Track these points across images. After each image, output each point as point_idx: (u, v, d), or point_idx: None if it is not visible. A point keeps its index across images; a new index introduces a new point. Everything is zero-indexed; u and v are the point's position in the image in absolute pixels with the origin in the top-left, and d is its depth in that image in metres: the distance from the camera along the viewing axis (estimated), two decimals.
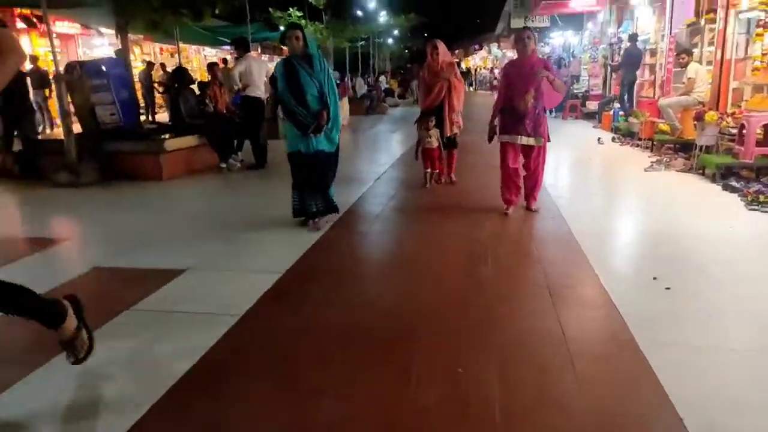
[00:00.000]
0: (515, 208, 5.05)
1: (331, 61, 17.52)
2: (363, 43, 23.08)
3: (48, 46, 11.69)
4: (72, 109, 6.95)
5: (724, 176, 6.10)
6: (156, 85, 14.05)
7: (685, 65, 8.04)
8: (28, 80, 11.82)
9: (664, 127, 8.43)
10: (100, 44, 16.35)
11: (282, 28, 18.26)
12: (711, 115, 6.87)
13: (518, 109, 4.71)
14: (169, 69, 13.33)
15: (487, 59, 41.69)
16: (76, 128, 7.11)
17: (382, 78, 22.57)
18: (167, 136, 7.12)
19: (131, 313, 3.02)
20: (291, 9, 15.35)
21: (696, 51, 8.86)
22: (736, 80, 7.63)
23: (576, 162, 8.38)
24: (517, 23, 20.97)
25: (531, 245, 4.24)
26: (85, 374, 2.44)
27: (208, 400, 2.23)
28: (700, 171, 6.67)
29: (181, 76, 7.81)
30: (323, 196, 4.56)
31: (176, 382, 2.33)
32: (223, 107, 8.11)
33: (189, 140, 7.28)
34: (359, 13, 21.15)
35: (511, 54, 5.06)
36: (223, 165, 7.54)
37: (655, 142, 8.57)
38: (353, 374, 2.42)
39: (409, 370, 2.42)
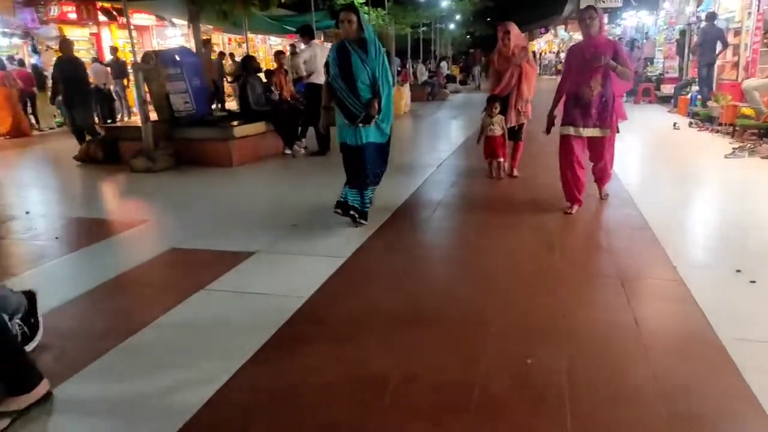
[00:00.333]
0: (580, 206, 4.59)
1: (393, 48, 17.43)
2: (425, 28, 22.82)
3: (126, 37, 12.36)
4: (148, 97, 7.30)
5: None
6: (226, 75, 14.51)
7: None
8: (109, 70, 12.58)
9: (747, 111, 7.86)
10: (172, 35, 17.08)
11: None
12: None
13: (583, 96, 4.30)
14: (237, 59, 13.74)
15: (553, 42, 40.26)
16: (153, 116, 7.49)
17: (443, 64, 22.27)
18: (236, 123, 7.35)
19: (206, 292, 3.16)
20: None
21: None
22: None
23: (649, 148, 7.98)
24: (586, 2, 20.03)
25: (601, 235, 4.08)
26: (162, 355, 2.58)
27: (281, 370, 2.31)
28: None
29: (248, 64, 8.02)
30: (360, 193, 4.22)
31: (250, 357, 2.44)
32: (289, 94, 8.27)
33: (256, 127, 7.49)
34: None
35: (579, 36, 4.53)
36: (288, 151, 7.72)
37: (737, 128, 8.01)
38: (419, 357, 2.43)
39: (477, 357, 2.41)
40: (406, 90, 14.43)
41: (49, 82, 10.06)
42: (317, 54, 7.56)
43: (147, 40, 16.65)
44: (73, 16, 14.17)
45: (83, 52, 14.88)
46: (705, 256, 3.74)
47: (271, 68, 9.33)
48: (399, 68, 17.83)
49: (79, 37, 15.07)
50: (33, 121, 12.18)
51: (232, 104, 13.87)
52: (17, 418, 2.03)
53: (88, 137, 8.08)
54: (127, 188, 6.24)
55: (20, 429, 2.02)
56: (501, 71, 5.67)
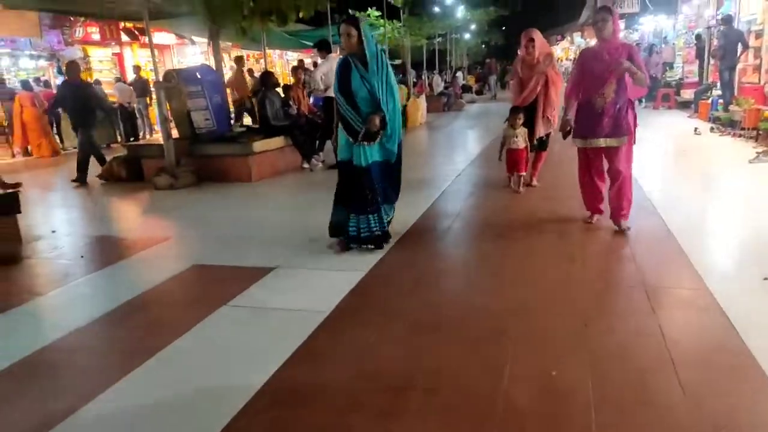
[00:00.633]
0: (601, 216, 4.47)
1: (409, 59, 17.54)
2: (440, 39, 22.91)
3: (148, 56, 12.64)
4: (170, 115, 7.44)
5: None
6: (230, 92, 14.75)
7: None
8: (132, 89, 12.87)
9: None
10: (192, 53, 17.42)
11: None
12: None
13: (595, 105, 4.05)
14: (255, 74, 13.94)
15: (569, 50, 40.05)
16: (174, 133, 7.63)
17: (459, 74, 22.32)
18: (255, 138, 7.45)
19: (228, 308, 3.20)
20: (369, 9, 15.53)
21: None
22: None
23: (671, 154, 7.87)
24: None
25: (624, 244, 4.02)
26: (186, 368, 2.61)
27: (304, 385, 2.32)
28: None
29: (267, 79, 8.14)
30: (368, 218, 3.97)
31: (274, 371, 2.45)
32: (306, 109, 8.36)
33: (275, 142, 7.58)
34: (436, 9, 21.01)
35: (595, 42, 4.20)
36: (306, 165, 7.78)
37: (761, 131, 7.85)
38: (442, 369, 2.42)
39: (501, 369, 2.39)
40: (423, 101, 14.48)
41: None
42: (334, 68, 7.61)
43: (168, 58, 17.01)
44: (96, 36, 14.58)
45: (106, 72, 15.28)
46: (731, 265, 3.67)
47: (289, 83, 9.45)
48: (415, 80, 17.93)
49: (102, 57, 15.49)
50: (58, 140, 12.50)
51: (249, 119, 14.07)
52: None
53: (107, 157, 8.20)
54: (150, 206, 6.36)
55: None
56: (525, 80, 5.49)
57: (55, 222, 5.65)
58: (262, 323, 3.01)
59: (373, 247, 3.99)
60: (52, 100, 8.87)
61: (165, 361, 2.64)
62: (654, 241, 4.02)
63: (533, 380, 2.31)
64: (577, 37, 35.26)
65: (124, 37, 14.39)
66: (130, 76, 14.00)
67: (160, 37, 15.47)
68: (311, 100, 9.64)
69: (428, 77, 19.21)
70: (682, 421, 2.01)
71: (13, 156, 11.29)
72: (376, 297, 3.29)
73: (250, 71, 16.44)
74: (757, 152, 6.93)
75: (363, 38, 3.74)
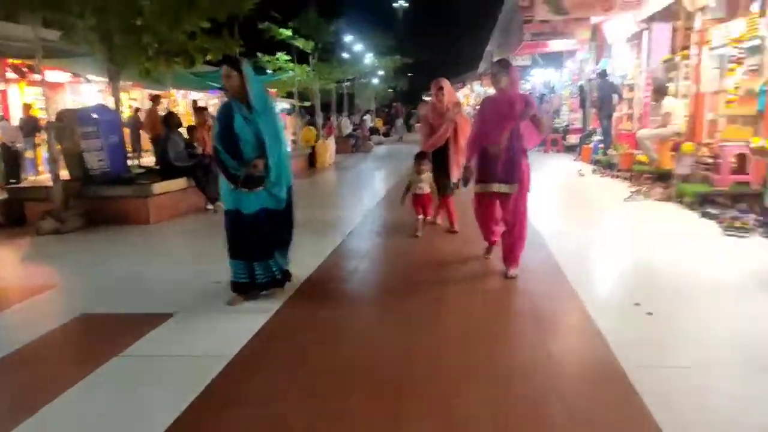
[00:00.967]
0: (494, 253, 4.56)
1: (318, 102, 17.83)
2: (348, 83, 23.56)
3: (37, 94, 11.86)
4: (61, 155, 7.01)
5: (702, 204, 6.26)
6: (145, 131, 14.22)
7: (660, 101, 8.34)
8: (19, 128, 11.97)
9: (642, 158, 8.66)
10: (87, 91, 16.56)
11: (269, 71, 18.70)
12: (688, 146, 7.09)
13: (489, 151, 4.15)
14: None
15: (470, 96, 42.63)
16: (64, 174, 7.17)
17: (367, 117, 22.97)
18: (154, 179, 7.18)
19: (120, 359, 3.01)
20: (279, 53, 15.70)
21: (672, 85, 9.20)
22: (710, 112, 7.90)
23: (558, 194, 8.54)
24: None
25: (518, 276, 4.27)
26: (78, 422, 2.42)
27: None
28: (679, 200, 6.84)
29: (170, 120, 7.93)
30: (266, 264, 3.83)
31: (172, 422, 2.33)
32: (211, 150, 8.20)
33: (177, 183, 7.35)
34: (345, 55, 21.68)
35: (493, 91, 4.39)
36: (210, 206, 7.59)
37: (633, 173, 8.78)
38: (344, 410, 2.43)
39: (401, 402, 2.45)
40: (331, 142, 14.73)
41: None
42: None
43: (61, 97, 16.03)
44: None
45: None
46: (608, 292, 4.03)
47: (193, 123, 9.26)
48: (323, 121, 18.22)
49: None
50: None
51: (149, 160, 13.54)
52: None
53: None
54: (32, 252, 5.84)
55: None
56: (435, 126, 5.65)
57: None
58: (157, 373, 2.86)
59: (266, 293, 3.86)
60: None
61: (44, 423, 2.42)
62: (543, 274, 4.32)
63: (435, 410, 2.38)
64: (476, 86, 37.63)
65: (11, 74, 13.42)
66: (17, 115, 13.02)
67: (53, 75, 14.59)
68: None
69: (337, 119, 19.59)
70: None
71: None
72: (280, 341, 3.24)
73: (149, 111, 15.91)
74: (631, 191, 7.72)
75: (245, 79, 3.55)
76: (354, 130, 18.99)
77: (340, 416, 2.39)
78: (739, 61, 6.77)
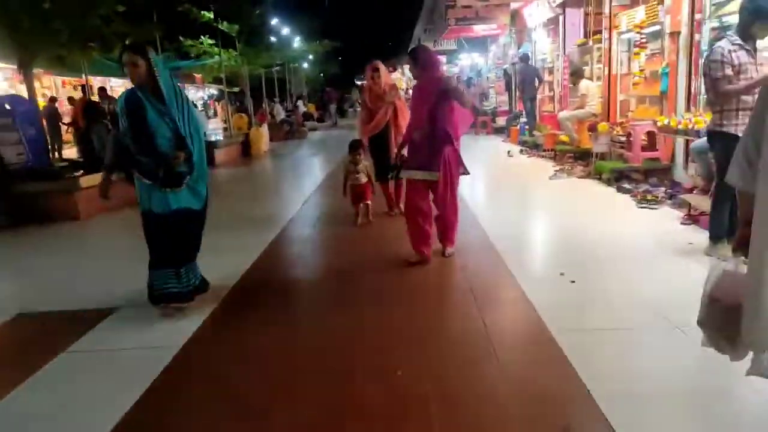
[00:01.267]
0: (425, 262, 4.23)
1: (248, 88, 17.46)
2: (278, 68, 23.17)
3: None
4: None
5: (618, 179, 6.80)
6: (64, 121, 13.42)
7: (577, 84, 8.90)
8: None
9: (564, 138, 9.22)
10: None
11: (192, 56, 18.04)
12: (603, 126, 7.63)
13: (415, 138, 4.14)
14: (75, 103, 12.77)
15: (401, 80, 42.98)
16: None
17: (299, 102, 22.74)
18: (81, 172, 6.89)
19: (66, 356, 2.98)
20: (202, 37, 15.21)
21: (587, 68, 9.80)
22: (622, 93, 8.52)
23: (489, 174, 8.95)
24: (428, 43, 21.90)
25: (456, 254, 4.50)
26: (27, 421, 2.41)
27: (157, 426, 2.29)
28: (597, 176, 7.38)
29: (92, 110, 7.59)
30: (192, 266, 3.56)
31: (122, 416, 2.38)
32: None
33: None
34: (273, 39, 21.27)
35: None
36: None
37: (557, 153, 9.34)
38: (297, 380, 2.56)
39: (352, 374, 2.61)
40: (265, 129, 14.53)
41: None
42: None
43: None
44: None
45: None
46: (536, 264, 4.37)
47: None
48: (256, 107, 17.88)
49: None
50: None
51: (70, 152, 12.85)
52: None
53: None
54: None
55: None
56: (374, 110, 5.53)
57: None
58: (107, 367, 2.87)
59: (177, 305, 3.46)
60: None
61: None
62: (477, 250, 4.60)
63: (382, 382, 2.56)
64: (406, 69, 38.02)
65: None
66: None
67: None
68: None
69: (269, 105, 19.27)
70: (501, 399, 2.40)
71: None
72: (228, 326, 3.32)
73: (71, 99, 15.06)
74: (555, 170, 8.22)
75: (153, 68, 3.22)
76: (287, 116, 18.77)
77: (293, 388, 2.53)
78: (642, 46, 7.34)
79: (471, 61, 21.20)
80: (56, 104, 13.34)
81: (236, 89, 21.01)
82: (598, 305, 3.34)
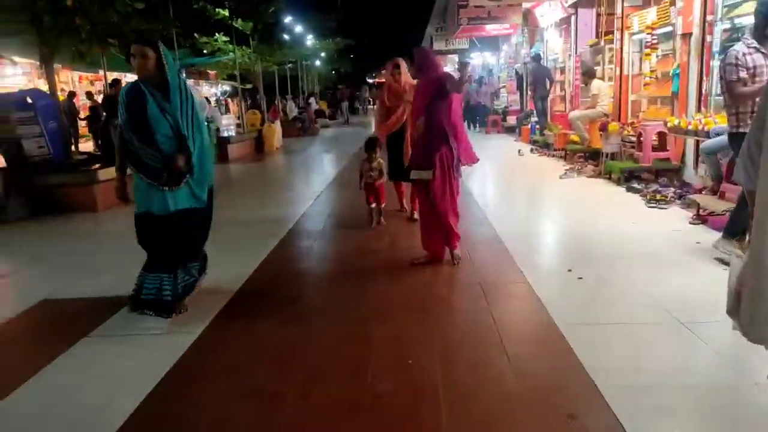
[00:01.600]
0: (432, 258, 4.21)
1: (261, 85, 17.61)
2: (291, 65, 23.31)
3: None
4: None
5: (628, 179, 6.84)
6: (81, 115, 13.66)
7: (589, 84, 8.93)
8: None
9: (574, 138, 9.25)
10: (12, 74, 15.63)
11: (205, 52, 18.19)
12: (613, 126, 7.67)
13: (414, 137, 4.17)
14: (95, 98, 13.01)
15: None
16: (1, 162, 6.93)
17: (312, 100, 22.87)
18: (99, 165, 7.05)
19: (89, 339, 3.11)
20: (217, 34, 15.36)
21: (599, 68, 9.82)
22: (633, 93, 8.55)
23: (500, 173, 9.01)
24: (438, 45, 21.97)
25: (464, 249, 4.60)
26: (52, 400, 2.54)
27: (178, 408, 2.41)
28: (607, 176, 7.42)
29: (110, 105, 7.75)
30: (160, 277, 3.36)
31: (145, 396, 2.50)
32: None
33: None
34: (286, 37, 21.40)
35: None
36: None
37: (567, 152, 9.38)
38: (313, 370, 2.67)
39: (365, 363, 2.71)
40: (278, 126, 14.67)
41: None
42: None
43: None
44: None
45: None
46: (544, 260, 4.43)
47: None
48: (268, 104, 18.04)
49: None
50: None
51: (87, 146, 13.07)
52: None
53: None
54: None
55: None
56: (392, 108, 5.39)
57: None
58: (130, 351, 2.99)
59: (152, 313, 3.34)
60: None
61: (17, 403, 2.53)
62: (486, 246, 4.69)
63: (394, 371, 2.66)
64: None
65: None
66: None
67: None
68: None
69: (281, 103, 19.42)
70: (509, 385, 2.49)
71: None
72: (245, 317, 3.43)
73: (89, 94, 15.29)
74: (565, 169, 8.27)
75: (163, 62, 3.13)
76: (300, 113, 18.91)
77: (313, 377, 2.63)
78: (654, 47, 7.37)
79: (482, 60, 21.18)
80: (74, 99, 13.56)
81: (249, 86, 21.19)
82: (605, 301, 3.41)
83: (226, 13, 13.69)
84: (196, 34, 15.36)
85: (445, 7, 20.50)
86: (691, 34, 6.32)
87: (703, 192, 5.57)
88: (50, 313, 3.62)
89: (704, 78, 6.15)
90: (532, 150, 10.94)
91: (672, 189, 6.15)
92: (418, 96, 4.09)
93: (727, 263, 3.56)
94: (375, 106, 5.85)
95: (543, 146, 10.81)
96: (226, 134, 13.35)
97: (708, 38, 6.06)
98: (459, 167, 4.07)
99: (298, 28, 23.10)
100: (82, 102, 15.32)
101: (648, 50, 7.50)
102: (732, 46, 3.91)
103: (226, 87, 24.79)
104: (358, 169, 5.44)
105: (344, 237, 5.37)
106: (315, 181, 8.86)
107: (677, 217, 5.31)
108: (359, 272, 4.20)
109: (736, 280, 1.87)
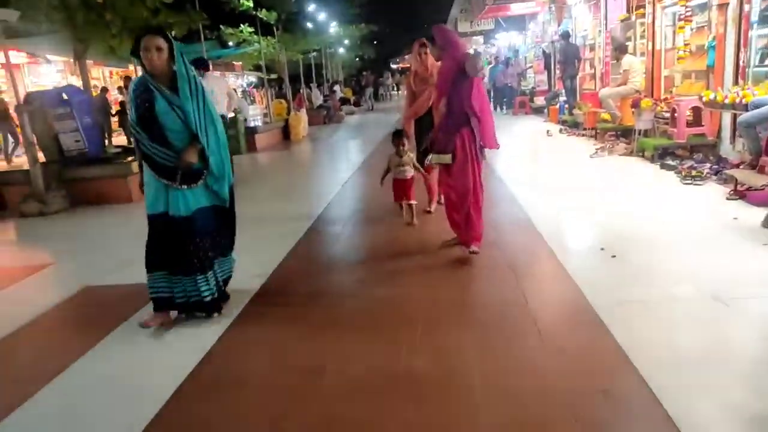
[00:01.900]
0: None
1: (286, 74, 17.71)
2: (315, 54, 23.37)
3: None
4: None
5: (662, 156, 6.66)
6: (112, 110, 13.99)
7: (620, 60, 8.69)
8: None
9: (605, 116, 9.03)
10: (47, 72, 16.10)
11: (231, 44, 18.36)
12: (646, 102, 7.46)
13: (435, 120, 4.06)
14: (124, 92, 13.27)
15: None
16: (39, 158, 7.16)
17: (336, 87, 22.89)
18: (132, 158, 7.23)
19: (129, 324, 3.22)
20: (242, 26, 15.50)
21: (630, 44, 9.54)
22: (666, 68, 8.28)
23: (528, 154, 8.88)
24: (463, 27, 21.67)
25: (492, 231, 4.57)
26: (99, 382, 2.65)
27: (222, 377, 2.49)
28: (640, 153, 7.24)
29: None
30: (195, 280, 3.13)
31: (189, 372, 2.59)
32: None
33: None
34: (310, 25, 21.43)
35: None
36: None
37: (598, 131, 9.17)
38: (354, 352, 2.71)
39: (398, 343, 2.75)
40: (303, 114, 14.75)
41: None
42: (212, 85, 7.67)
43: (19, 79, 15.54)
44: None
45: None
46: (576, 240, 4.38)
47: None
48: (293, 93, 18.14)
49: None
50: None
51: (119, 140, 13.38)
52: None
53: None
54: (21, 234, 5.94)
55: None
56: (418, 93, 5.02)
57: None
58: (168, 334, 3.08)
59: (204, 315, 3.22)
60: None
61: (64, 386, 2.65)
62: (516, 227, 4.65)
63: (427, 351, 2.68)
64: None
65: None
66: None
67: (10, 56, 14.14)
68: None
69: (306, 91, 19.50)
70: (542, 363, 2.49)
71: None
72: (278, 300, 3.50)
73: (120, 89, 15.61)
74: (596, 148, 8.10)
75: (175, 54, 2.97)
76: (325, 101, 18.96)
77: (349, 356, 2.68)
78: (687, 19, 7.11)
79: (508, 40, 20.82)
80: (106, 95, 13.88)
81: (275, 76, 21.32)
82: (640, 279, 3.35)
83: (251, 3, 13.78)
84: (221, 26, 15.52)
85: None
86: (727, 4, 6.07)
87: (740, 167, 5.39)
88: (91, 299, 3.77)
89: (742, 49, 5.91)
90: (561, 130, 10.74)
91: (708, 165, 5.97)
92: (440, 77, 3.98)
93: None
94: (402, 92, 5.09)
95: (572, 126, 10.60)
96: (252, 124, 13.50)
97: (746, 7, 5.81)
98: (483, 151, 3.92)
99: (322, 16, 23.09)
100: (113, 97, 15.67)
101: (682, 23, 7.23)
102: None
103: (252, 78, 25.02)
104: (386, 165, 4.91)
105: (373, 221, 5.37)
106: (341, 168, 8.90)
107: (714, 193, 5.17)
108: (389, 255, 4.23)
109: None
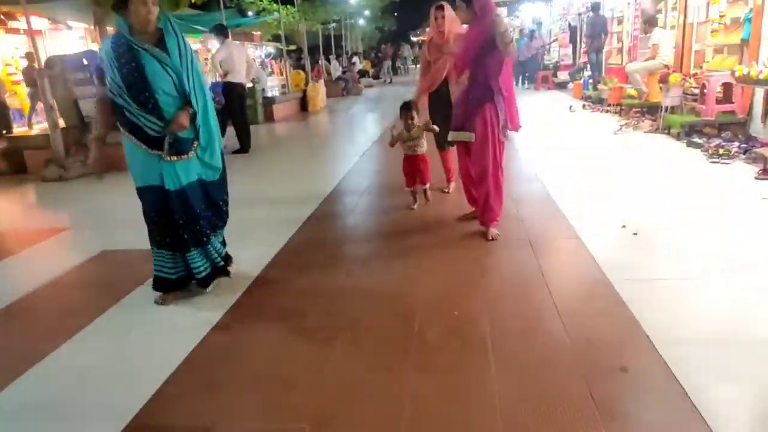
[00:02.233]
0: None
1: (305, 44, 17.50)
2: (335, 24, 23.03)
3: (15, 43, 11.53)
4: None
5: (688, 134, 6.47)
6: None
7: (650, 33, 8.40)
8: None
9: (631, 92, 8.78)
10: (67, 38, 16.10)
11: (250, 13, 18.12)
12: (675, 77, 7.22)
13: (455, 93, 3.80)
14: None
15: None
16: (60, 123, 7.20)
17: (355, 59, 22.61)
18: None
19: (146, 287, 3.24)
20: None
21: (660, 16, 9.21)
22: (697, 42, 7.99)
23: (550, 129, 8.70)
24: None
25: (511, 205, 4.49)
26: (112, 343, 2.69)
27: (242, 336, 2.51)
28: (666, 131, 7.04)
29: None
30: (205, 250, 3.04)
31: (209, 330, 2.61)
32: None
33: None
34: None
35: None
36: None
37: (623, 107, 8.94)
38: (366, 314, 2.71)
39: (412, 313, 2.72)
40: (321, 86, 14.62)
41: None
42: (233, 53, 7.61)
43: (40, 44, 15.59)
44: None
45: None
46: (597, 217, 4.26)
47: None
48: (312, 64, 17.96)
49: None
50: None
51: None
52: None
53: None
54: (41, 198, 6.02)
55: None
56: (433, 62, 4.54)
57: None
58: (186, 295, 3.10)
59: (210, 289, 3.11)
60: None
61: (83, 343, 2.69)
62: (536, 203, 4.57)
63: (441, 321, 2.66)
64: None
65: None
66: (24, 63, 12.75)
67: (32, 21, 14.15)
68: (210, 85, 9.44)
69: (325, 62, 19.29)
70: (559, 337, 2.45)
71: None
72: (295, 267, 3.50)
73: None
74: (620, 125, 7.90)
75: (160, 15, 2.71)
76: (343, 72, 18.76)
77: (360, 319, 2.67)
78: None
79: (533, 12, 20.26)
80: None
81: (293, 47, 21.09)
82: (662, 257, 3.28)
83: None
84: None
85: None
86: None
87: None
88: (109, 262, 3.81)
89: None
90: (584, 106, 10.48)
91: (736, 143, 5.78)
92: (466, 45, 3.58)
93: None
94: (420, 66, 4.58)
95: (596, 102, 10.34)
96: (270, 95, 13.42)
97: None
98: (505, 129, 3.67)
99: None
100: None
101: None
102: None
103: (270, 49, 24.77)
104: (390, 131, 4.60)
105: (390, 192, 5.29)
106: (359, 140, 8.82)
107: (741, 171, 5.01)
108: (405, 228, 4.19)
109: None
